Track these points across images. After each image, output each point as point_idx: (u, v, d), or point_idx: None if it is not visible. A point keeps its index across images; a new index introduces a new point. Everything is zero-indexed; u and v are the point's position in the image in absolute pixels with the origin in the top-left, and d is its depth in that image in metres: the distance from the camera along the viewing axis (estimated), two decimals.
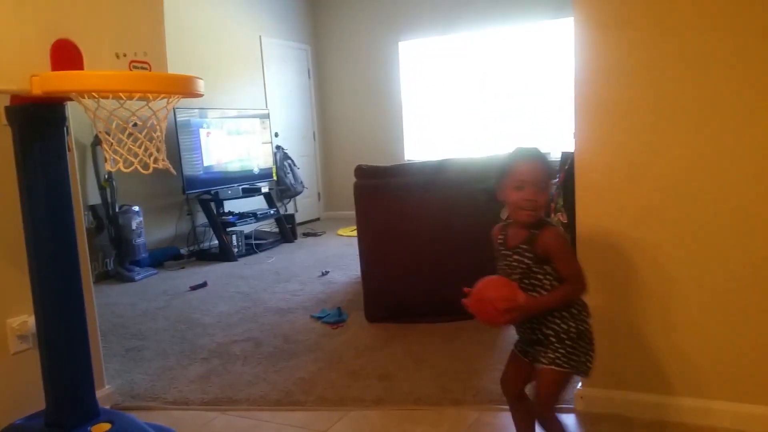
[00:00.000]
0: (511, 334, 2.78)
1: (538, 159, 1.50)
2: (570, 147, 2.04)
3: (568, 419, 2.01)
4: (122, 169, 1.53)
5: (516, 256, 1.53)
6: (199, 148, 5.09)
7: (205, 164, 5.15)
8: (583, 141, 1.95)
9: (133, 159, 1.58)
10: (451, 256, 2.95)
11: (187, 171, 4.94)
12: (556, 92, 5.94)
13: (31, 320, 1.91)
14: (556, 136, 6.02)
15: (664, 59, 1.82)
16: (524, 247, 1.51)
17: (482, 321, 1.50)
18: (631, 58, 1.85)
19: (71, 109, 1.86)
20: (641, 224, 1.90)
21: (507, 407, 2.08)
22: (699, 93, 1.79)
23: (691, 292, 1.87)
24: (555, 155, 5.75)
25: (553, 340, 1.51)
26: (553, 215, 2.10)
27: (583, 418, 2.00)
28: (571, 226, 2.04)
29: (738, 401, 1.84)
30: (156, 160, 1.63)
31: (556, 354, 1.51)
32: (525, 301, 1.45)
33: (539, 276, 1.50)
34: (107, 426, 1.78)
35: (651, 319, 1.93)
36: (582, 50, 1.91)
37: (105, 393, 2.25)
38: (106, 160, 1.57)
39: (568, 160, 2.05)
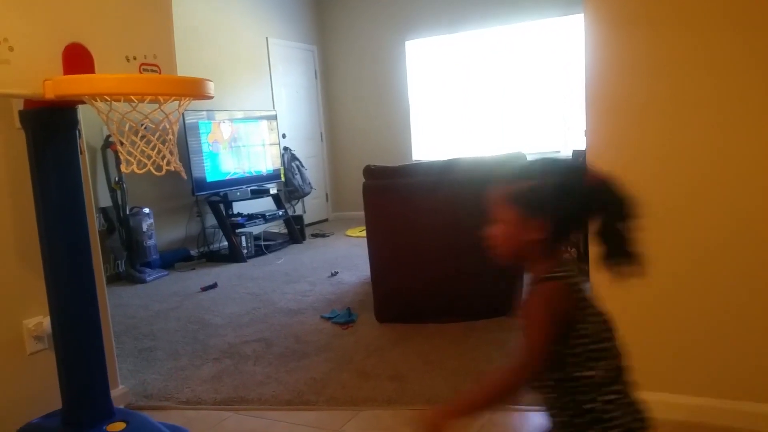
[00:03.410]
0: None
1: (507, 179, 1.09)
2: (581, 145, 2.03)
3: None
4: (136, 170, 1.54)
5: None
6: (208, 150, 5.11)
7: (214, 166, 5.17)
8: (595, 139, 1.94)
9: (146, 161, 1.59)
10: (461, 256, 2.94)
11: (196, 173, 4.97)
12: (565, 90, 5.92)
13: (47, 321, 1.93)
14: (566, 135, 6.00)
15: (681, 55, 1.80)
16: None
17: None
18: (645, 55, 1.84)
19: (81, 112, 1.87)
20: (654, 224, 1.89)
21: (519, 407, 2.09)
22: (718, 90, 1.77)
23: (705, 292, 1.86)
24: (566, 153, 5.76)
25: None
26: None
27: None
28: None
29: (751, 400, 1.82)
30: (169, 162, 1.64)
31: None
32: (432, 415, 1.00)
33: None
34: (122, 425, 1.80)
35: (664, 318, 1.92)
36: (593, 47, 1.90)
37: (119, 393, 2.27)
38: (121, 162, 1.59)
39: (579, 158, 2.04)
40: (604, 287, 1.98)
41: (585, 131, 1.96)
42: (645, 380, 1.94)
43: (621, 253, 1.05)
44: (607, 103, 1.90)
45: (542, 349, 0.99)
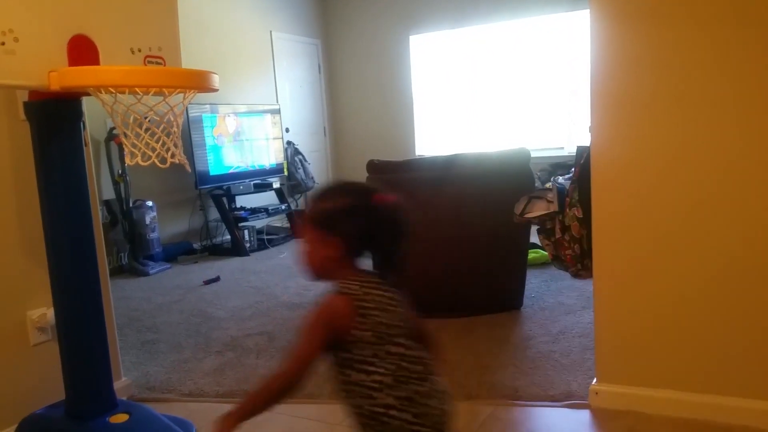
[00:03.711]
0: (525, 330, 2.79)
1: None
2: (585, 141, 2.03)
3: (582, 415, 2.00)
4: (141, 162, 1.54)
5: None
6: (212, 143, 5.11)
7: (217, 160, 5.17)
8: (599, 136, 1.93)
9: (150, 153, 1.59)
10: (463, 251, 2.94)
11: (199, 166, 4.97)
12: (570, 86, 5.90)
13: (50, 312, 1.94)
14: (570, 130, 5.99)
15: (687, 50, 1.79)
16: None
17: None
18: (650, 50, 1.83)
19: (84, 105, 1.87)
20: (659, 221, 1.89)
21: (521, 402, 2.09)
22: (725, 86, 1.76)
23: (710, 289, 1.85)
24: (569, 149, 5.74)
25: None
26: (568, 210, 2.09)
27: (598, 414, 1.99)
28: (586, 221, 2.03)
29: (756, 398, 1.82)
30: (173, 155, 1.64)
31: None
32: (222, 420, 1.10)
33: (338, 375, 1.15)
34: (125, 417, 1.81)
35: (667, 316, 1.92)
36: (599, 42, 1.89)
37: (122, 385, 2.27)
38: (126, 154, 1.59)
39: (583, 154, 2.04)
40: (608, 287, 1.98)
41: (589, 127, 1.95)
42: (650, 378, 1.95)
43: (389, 268, 1.22)
44: (612, 99, 1.90)
45: (304, 356, 1.11)
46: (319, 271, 1.21)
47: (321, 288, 1.20)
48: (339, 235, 1.15)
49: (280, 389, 1.11)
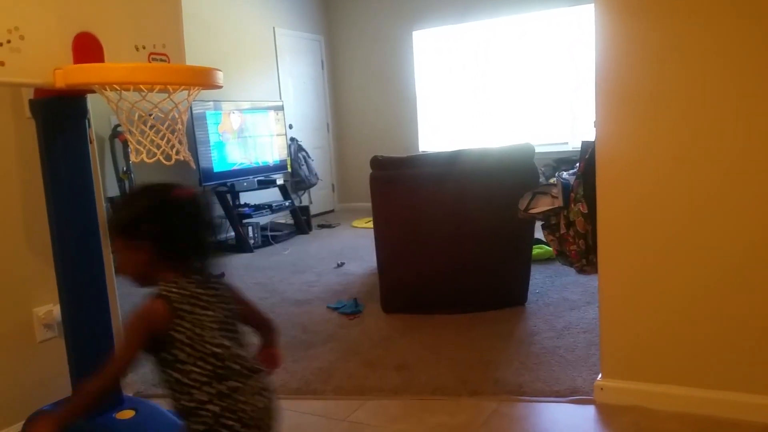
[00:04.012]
0: (529, 326, 2.79)
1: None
2: (590, 136, 2.02)
3: (588, 411, 2.01)
4: (146, 159, 1.55)
5: None
6: (216, 140, 5.12)
7: (221, 156, 5.18)
8: (604, 131, 1.92)
9: (155, 150, 1.60)
10: (467, 247, 2.94)
11: (203, 163, 4.98)
12: (574, 81, 5.88)
13: (57, 309, 1.95)
14: (574, 126, 5.97)
15: (693, 44, 1.78)
16: None
17: None
18: (656, 44, 1.82)
19: (89, 102, 1.88)
20: (664, 216, 1.88)
21: (526, 398, 2.10)
22: (733, 82, 1.75)
23: (715, 284, 1.85)
24: (574, 144, 5.73)
25: None
26: (572, 205, 2.09)
27: (603, 410, 1.99)
28: (591, 216, 2.03)
29: (763, 393, 1.81)
30: (178, 152, 1.64)
31: None
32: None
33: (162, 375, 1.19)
34: (131, 413, 1.82)
35: (673, 311, 1.92)
36: (603, 37, 1.88)
37: (128, 381, 2.28)
38: (131, 151, 1.60)
39: (588, 149, 2.03)
40: (613, 282, 1.98)
41: (594, 122, 1.94)
42: (655, 374, 1.95)
43: (207, 260, 1.24)
44: (617, 94, 1.89)
45: (121, 360, 1.16)
46: (138, 278, 1.21)
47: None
48: (145, 239, 1.16)
49: (97, 392, 1.17)
